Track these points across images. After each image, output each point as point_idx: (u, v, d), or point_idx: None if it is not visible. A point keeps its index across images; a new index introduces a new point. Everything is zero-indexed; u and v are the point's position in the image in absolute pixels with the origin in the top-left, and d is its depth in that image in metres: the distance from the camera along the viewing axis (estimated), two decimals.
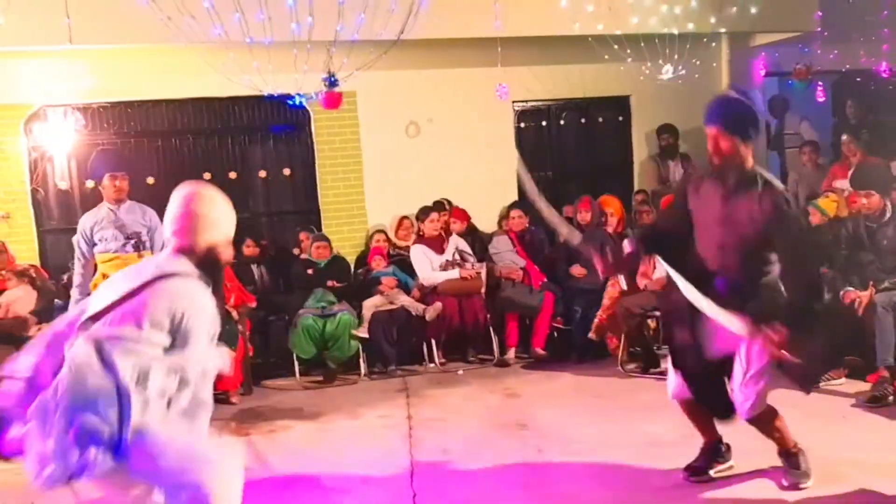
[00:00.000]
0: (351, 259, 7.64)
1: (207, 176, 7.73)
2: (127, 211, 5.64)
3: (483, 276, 7.05)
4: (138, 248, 5.20)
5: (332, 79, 6.27)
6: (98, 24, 6.39)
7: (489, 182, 8.12)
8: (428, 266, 7.04)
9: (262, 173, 8.06)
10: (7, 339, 5.76)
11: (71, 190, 7.53)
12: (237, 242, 7.11)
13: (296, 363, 6.70)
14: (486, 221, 8.06)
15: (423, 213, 7.36)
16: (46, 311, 6.07)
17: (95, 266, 5.76)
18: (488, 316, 6.94)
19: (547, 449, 4.57)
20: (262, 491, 4.17)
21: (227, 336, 5.99)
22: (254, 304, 6.65)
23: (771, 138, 9.88)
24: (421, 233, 7.39)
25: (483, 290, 7.01)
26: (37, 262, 7.03)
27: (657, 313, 6.17)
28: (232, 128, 7.97)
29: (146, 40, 6.51)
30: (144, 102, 7.58)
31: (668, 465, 4.10)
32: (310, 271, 7.05)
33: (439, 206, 7.64)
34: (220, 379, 5.74)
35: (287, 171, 8.13)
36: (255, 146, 8.11)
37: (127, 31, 6.43)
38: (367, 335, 6.65)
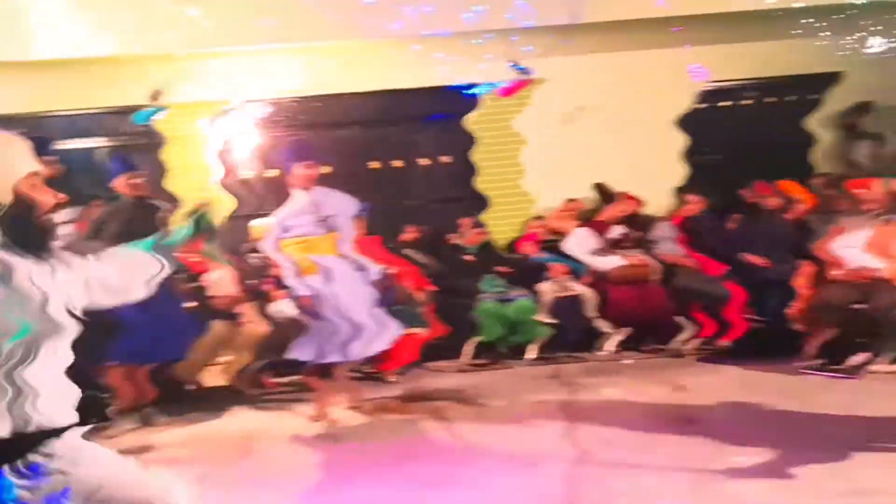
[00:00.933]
0: (506, 245, 7.70)
1: (375, 164, 8.05)
2: (317, 196, 5.78)
3: (651, 263, 6.86)
4: (328, 229, 5.36)
5: (518, 67, 6.27)
6: (289, 22, 6.75)
7: (659, 167, 7.90)
8: (583, 250, 6.94)
9: (424, 161, 8.25)
10: (219, 315, 6.25)
11: (257, 180, 8.03)
12: (397, 230, 7.36)
13: (467, 346, 6.79)
14: (652, 208, 7.84)
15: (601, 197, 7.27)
16: (247, 291, 6.49)
17: None
18: (668, 303, 6.74)
19: (713, 445, 4.35)
20: (422, 470, 4.30)
21: (412, 319, 6.24)
22: (432, 288, 6.82)
23: None
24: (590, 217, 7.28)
25: (657, 278, 6.83)
26: None
27: (860, 306, 5.77)
28: (400, 117, 8.20)
29: (335, 37, 6.78)
30: (327, 96, 7.91)
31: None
32: (466, 257, 7.16)
33: (608, 192, 7.55)
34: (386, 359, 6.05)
35: (448, 159, 8.28)
36: (418, 134, 8.31)
37: (315, 29, 6.74)
38: (548, 320, 6.67)
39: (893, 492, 3.59)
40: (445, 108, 8.04)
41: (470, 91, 6.60)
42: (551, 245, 7.36)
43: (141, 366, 5.59)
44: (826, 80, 8.20)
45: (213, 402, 6.00)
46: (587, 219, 7.26)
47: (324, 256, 5.30)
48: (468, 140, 8.14)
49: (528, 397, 5.68)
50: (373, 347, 5.31)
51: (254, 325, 6.24)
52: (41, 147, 4.76)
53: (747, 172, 7.75)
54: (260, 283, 6.53)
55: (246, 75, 7.58)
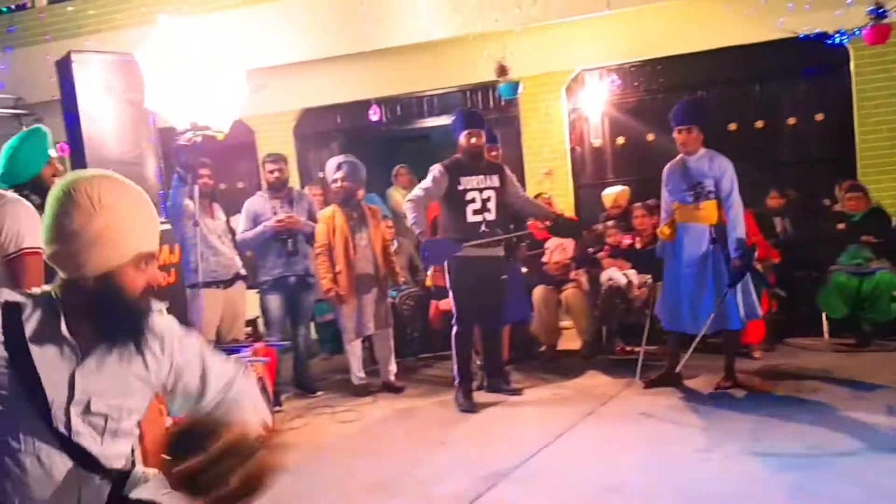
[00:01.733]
0: (893, 212, 6.78)
1: (733, 126, 7.66)
2: (696, 160, 5.28)
3: None
4: (698, 198, 5.22)
5: (881, 10, 5.57)
6: None
7: None
8: None
9: (792, 120, 7.63)
10: (551, 280, 6.58)
11: (604, 147, 8.17)
12: (761, 194, 6.91)
13: (824, 323, 6.28)
14: None
15: None
16: (582, 259, 6.73)
17: None
18: None
19: None
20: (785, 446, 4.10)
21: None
22: (777, 260, 6.39)
23: None
24: None
25: None
26: (573, 215, 7.82)
27: None
28: (758, 75, 7.68)
29: None
30: (672, 57, 7.76)
31: None
32: (841, 225, 6.46)
33: None
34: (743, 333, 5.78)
35: (819, 117, 7.55)
36: (783, 92, 7.70)
37: None
38: None
39: None
40: (817, 61, 7.33)
41: (829, 42, 5.97)
42: None
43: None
44: None
45: (566, 364, 6.34)
46: None
47: (699, 225, 5.19)
48: (845, 95, 7.36)
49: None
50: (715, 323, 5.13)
51: (578, 292, 6.42)
52: (472, 120, 5.48)
53: None
54: (595, 251, 6.69)
55: (589, 43, 7.74)
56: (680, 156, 5.25)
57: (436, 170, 5.41)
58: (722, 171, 5.07)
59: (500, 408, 5.36)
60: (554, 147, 8.24)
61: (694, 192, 5.14)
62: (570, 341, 6.70)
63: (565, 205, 8.05)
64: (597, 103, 8.10)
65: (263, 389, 4.93)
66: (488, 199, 5.39)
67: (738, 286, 5.04)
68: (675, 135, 5.20)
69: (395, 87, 8.56)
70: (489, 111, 8.53)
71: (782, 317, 6.49)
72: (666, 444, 4.32)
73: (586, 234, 7.01)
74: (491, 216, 5.38)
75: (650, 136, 7.89)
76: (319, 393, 6.06)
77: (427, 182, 5.40)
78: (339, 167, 5.99)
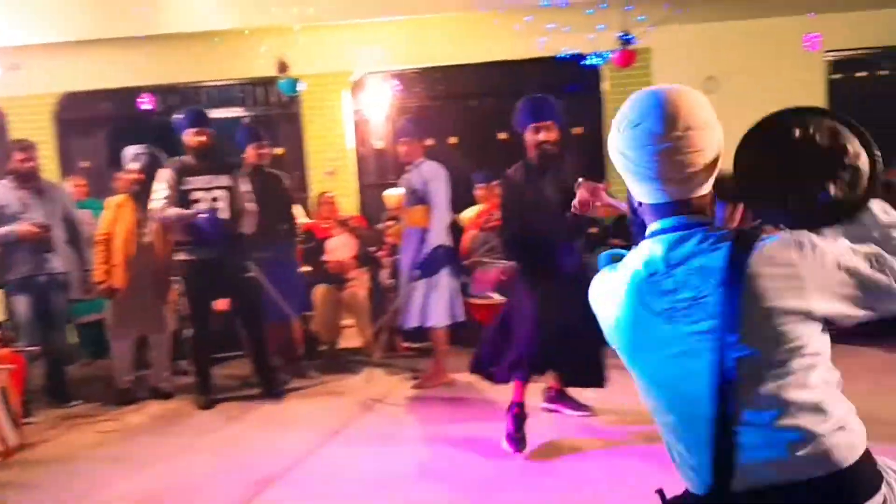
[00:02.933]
0: None
1: (503, 136, 8.14)
2: (415, 168, 5.73)
3: None
4: (413, 202, 5.59)
5: (628, 37, 6.20)
6: None
7: None
8: None
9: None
10: (332, 279, 6.63)
11: (387, 149, 8.35)
12: None
13: None
14: None
15: None
16: (363, 257, 6.85)
17: None
18: None
19: None
20: (548, 432, 4.43)
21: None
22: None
23: None
24: None
25: None
26: (357, 214, 7.92)
27: None
28: (525, 89, 8.20)
29: (452, 8, 6.94)
30: (450, 67, 8.12)
31: None
32: (593, 230, 7.09)
33: None
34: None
35: (578, 130, 8.23)
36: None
37: (434, 1, 6.91)
38: None
39: None
40: (576, 79, 7.98)
41: (584, 63, 6.59)
42: None
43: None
44: None
45: (348, 362, 6.43)
46: None
47: (414, 228, 5.55)
48: (599, 111, 8.08)
49: None
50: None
51: (358, 290, 6.55)
52: (198, 118, 5.31)
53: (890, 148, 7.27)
54: (376, 250, 6.84)
55: (366, 48, 7.89)
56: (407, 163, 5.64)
57: (165, 173, 5.30)
58: (429, 177, 5.46)
59: (275, 409, 5.33)
60: (337, 147, 8.29)
61: (413, 197, 5.49)
62: (352, 339, 6.78)
63: (350, 203, 8.14)
64: (380, 106, 8.26)
65: (4, 401, 4.54)
66: (217, 199, 5.32)
67: (436, 288, 5.45)
68: (399, 147, 5.67)
69: (172, 76, 8.17)
70: (270, 107, 8.43)
71: None
72: (440, 438, 4.52)
73: (368, 232, 7.17)
74: (224, 216, 5.33)
75: (429, 141, 8.16)
76: (75, 402, 5.65)
77: (163, 190, 5.26)
78: (136, 158, 5.68)
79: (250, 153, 5.93)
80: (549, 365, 4.29)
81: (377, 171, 8.46)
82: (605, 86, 7.95)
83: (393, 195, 7.31)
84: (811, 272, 1.38)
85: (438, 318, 5.56)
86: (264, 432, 4.89)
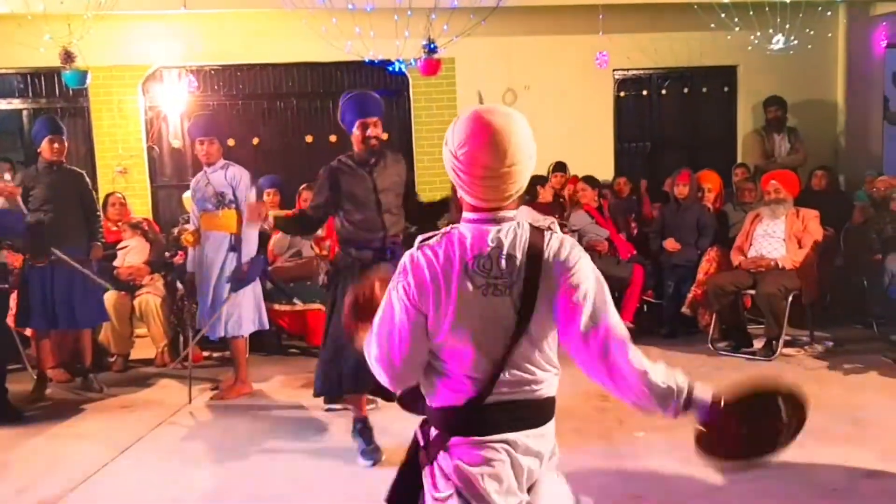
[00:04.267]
0: (443, 225, 7.73)
1: (309, 138, 8.04)
2: (216, 171, 5.46)
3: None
4: (219, 206, 5.35)
5: (432, 45, 6.34)
6: None
7: (586, 151, 8.06)
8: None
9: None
10: (123, 286, 6.21)
11: (183, 148, 7.94)
12: None
13: None
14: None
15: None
16: (157, 262, 6.48)
17: None
18: None
19: (628, 421, 4.58)
20: (349, 440, 4.41)
21: (321, 295, 6.28)
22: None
23: (888, 112, 9.38)
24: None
25: None
26: (150, 216, 7.47)
27: (751, 292, 6.06)
28: (334, 92, 8.17)
29: (255, 5, 6.75)
30: (252, 66, 7.88)
31: None
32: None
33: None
34: (313, 334, 6.14)
35: (385, 136, 8.28)
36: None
37: None
38: None
39: None
40: (384, 84, 8.02)
41: (391, 68, 6.67)
42: None
43: (49, 332, 5.51)
44: (732, 74, 8.53)
45: (141, 374, 6.06)
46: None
47: (218, 234, 5.30)
48: (406, 118, 8.17)
49: None
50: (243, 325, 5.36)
51: (153, 298, 6.18)
52: None
53: (673, 161, 8.02)
54: (171, 255, 6.50)
55: (163, 41, 7.49)
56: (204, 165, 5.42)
57: None
58: (237, 180, 5.31)
59: (62, 426, 4.89)
60: (129, 145, 7.77)
61: (216, 200, 5.29)
62: (145, 350, 6.38)
63: (143, 205, 7.66)
64: (176, 103, 7.84)
65: None
66: None
67: (243, 296, 5.30)
68: (196, 146, 5.42)
69: None
70: (55, 100, 7.77)
71: None
72: (240, 453, 4.36)
73: (162, 236, 6.79)
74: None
75: (231, 142, 7.87)
76: None
77: None
78: None
79: (45, 147, 5.39)
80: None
81: (173, 171, 8.02)
82: (412, 92, 8.07)
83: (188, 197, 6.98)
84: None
85: (244, 327, 5.36)
86: (51, 450, 4.49)
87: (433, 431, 1.91)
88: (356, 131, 4.15)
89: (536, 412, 1.88)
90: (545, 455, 1.90)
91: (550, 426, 1.91)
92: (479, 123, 1.78)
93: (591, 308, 1.79)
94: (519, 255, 1.81)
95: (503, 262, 1.80)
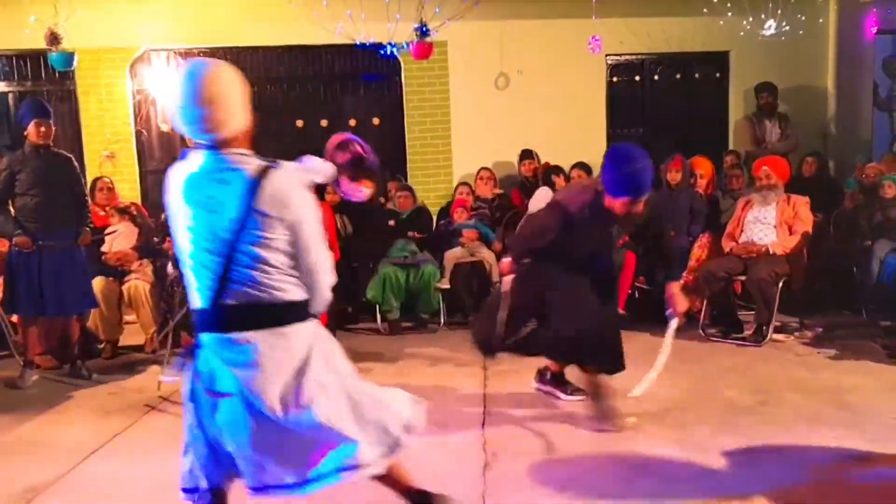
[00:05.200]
0: (435, 210, 7.73)
1: (300, 123, 7.98)
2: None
3: None
4: None
5: (424, 29, 6.29)
6: None
7: (578, 136, 8.04)
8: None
9: (353, 121, 8.21)
10: (111, 271, 6.15)
11: (172, 132, 7.86)
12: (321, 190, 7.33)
13: (377, 309, 6.86)
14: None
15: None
16: (146, 248, 6.41)
17: None
18: None
19: (620, 407, 4.58)
20: None
21: None
22: (336, 258, 6.80)
23: (878, 98, 9.40)
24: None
25: None
26: (138, 201, 7.41)
27: (742, 278, 6.07)
28: (324, 75, 8.12)
29: None
30: (242, 49, 7.80)
31: (745, 431, 4.08)
32: (391, 222, 7.15)
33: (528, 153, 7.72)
34: None
35: (376, 120, 8.25)
36: (346, 94, 8.25)
37: None
38: (448, 286, 6.76)
39: None
40: (375, 69, 7.97)
41: (382, 52, 6.61)
42: (481, 213, 7.40)
43: (37, 318, 5.46)
44: (724, 59, 8.53)
45: (130, 360, 6.01)
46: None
47: None
48: (398, 102, 8.11)
49: (447, 360, 5.83)
50: None
51: (142, 284, 6.13)
52: None
53: (665, 147, 7.99)
54: (160, 240, 6.44)
55: (151, 23, 7.40)
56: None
57: None
58: None
59: (51, 413, 4.85)
60: (117, 128, 7.70)
61: None
62: (135, 336, 6.34)
63: (131, 190, 7.60)
64: (164, 86, 7.75)
65: None
66: None
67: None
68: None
69: None
70: (41, 82, 7.67)
71: (344, 306, 6.98)
72: None
73: (151, 221, 6.72)
74: None
75: None
76: None
77: None
78: None
79: (31, 131, 5.31)
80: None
81: (161, 155, 7.94)
82: (404, 76, 8.01)
83: None
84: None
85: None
86: (38, 437, 4.44)
87: None
88: None
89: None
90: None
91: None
92: (189, 64, 2.33)
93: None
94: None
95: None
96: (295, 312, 2.35)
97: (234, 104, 2.28)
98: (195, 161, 2.29)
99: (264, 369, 2.27)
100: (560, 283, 4.21)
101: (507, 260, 4.57)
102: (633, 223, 4.44)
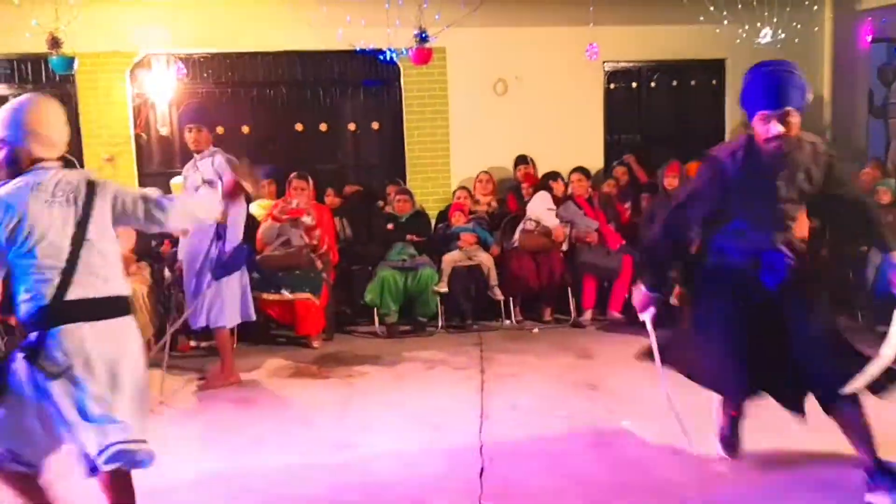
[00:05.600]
0: (433, 214, 7.77)
1: (299, 127, 8.01)
2: (203, 159, 5.48)
3: (564, 235, 7.05)
4: None
5: (423, 35, 6.33)
6: None
7: (576, 142, 8.09)
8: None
9: (352, 126, 8.24)
10: None
11: (171, 136, 7.90)
12: (321, 193, 7.37)
13: (375, 312, 6.88)
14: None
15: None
16: (144, 251, 6.43)
17: None
18: (566, 275, 6.96)
19: (617, 410, 4.62)
20: (336, 430, 4.45)
21: (311, 285, 6.31)
22: (335, 261, 6.85)
23: (873, 106, 9.46)
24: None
25: (563, 249, 7.05)
26: None
27: None
28: (324, 80, 8.15)
29: None
30: (242, 54, 7.83)
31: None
32: (390, 226, 7.18)
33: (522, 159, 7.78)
34: (302, 324, 6.20)
35: (375, 125, 8.29)
36: (346, 99, 8.28)
37: None
38: (446, 290, 6.79)
39: None
40: (375, 74, 8.01)
41: (382, 57, 6.65)
42: (479, 217, 7.43)
43: None
44: (720, 67, 8.60)
45: None
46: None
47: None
48: (397, 107, 8.14)
49: (444, 363, 5.87)
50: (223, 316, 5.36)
51: (140, 286, 6.14)
52: None
53: (662, 153, 8.04)
54: (158, 243, 6.46)
55: (151, 28, 7.43)
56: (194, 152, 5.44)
57: None
58: (223, 169, 5.26)
59: None
60: (117, 132, 7.71)
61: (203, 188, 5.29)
62: None
63: None
64: (164, 90, 7.79)
65: None
66: None
67: (228, 286, 5.31)
68: (185, 133, 5.46)
69: None
70: (41, 86, 7.69)
71: (345, 309, 7.02)
72: (221, 439, 4.37)
73: None
74: None
75: (220, 129, 7.84)
76: None
77: None
78: None
79: None
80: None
81: (161, 159, 7.97)
82: (403, 82, 8.05)
83: (180, 184, 6.94)
84: None
85: (229, 318, 5.36)
86: None
87: None
88: None
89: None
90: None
91: None
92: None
93: None
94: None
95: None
96: None
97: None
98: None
99: None
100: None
101: (641, 289, 3.60)
102: (798, 174, 3.24)
